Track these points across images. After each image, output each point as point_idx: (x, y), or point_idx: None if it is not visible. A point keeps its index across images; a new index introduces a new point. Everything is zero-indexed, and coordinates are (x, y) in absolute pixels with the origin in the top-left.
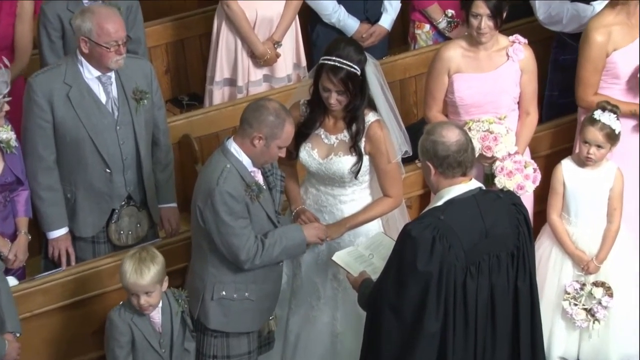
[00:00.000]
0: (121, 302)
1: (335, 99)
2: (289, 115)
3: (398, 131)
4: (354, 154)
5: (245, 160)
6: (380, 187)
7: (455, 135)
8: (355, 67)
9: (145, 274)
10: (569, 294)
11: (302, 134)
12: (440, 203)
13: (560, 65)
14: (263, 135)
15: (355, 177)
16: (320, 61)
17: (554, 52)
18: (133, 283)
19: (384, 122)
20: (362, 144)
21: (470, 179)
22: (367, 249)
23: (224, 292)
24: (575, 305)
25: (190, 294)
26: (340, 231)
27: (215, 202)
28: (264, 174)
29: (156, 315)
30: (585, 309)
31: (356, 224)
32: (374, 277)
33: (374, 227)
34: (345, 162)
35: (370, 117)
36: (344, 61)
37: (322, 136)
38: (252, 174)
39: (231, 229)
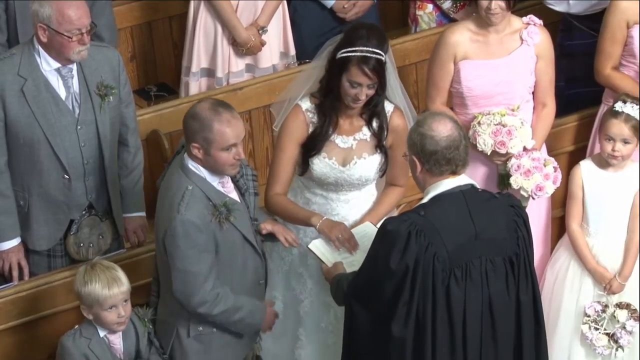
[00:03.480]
0: (75, 327)
1: (365, 94)
2: (220, 112)
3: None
4: (379, 151)
5: (207, 175)
6: (389, 178)
7: (446, 130)
8: (382, 53)
9: (121, 277)
10: (589, 316)
11: (315, 146)
12: (425, 200)
13: (566, 51)
14: (198, 144)
15: (381, 176)
16: (342, 54)
17: (560, 36)
18: (114, 294)
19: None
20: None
21: (460, 175)
22: None
23: (201, 328)
24: (596, 329)
25: (160, 326)
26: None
27: (176, 234)
28: (233, 180)
29: (117, 340)
30: (607, 334)
31: (379, 219)
32: (350, 269)
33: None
34: (372, 162)
35: (388, 106)
36: (372, 49)
37: (337, 141)
38: (220, 184)
39: (190, 264)
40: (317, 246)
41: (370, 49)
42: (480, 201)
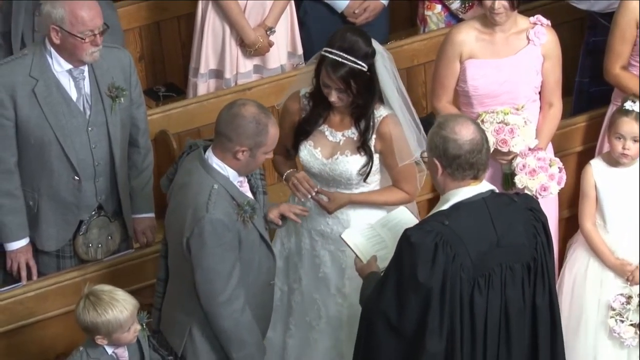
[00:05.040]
0: (80, 348)
1: (336, 97)
2: (270, 116)
3: (415, 130)
4: (362, 153)
5: (232, 175)
6: (392, 181)
7: (469, 133)
8: (361, 63)
9: (126, 296)
10: (614, 310)
11: (304, 130)
12: (445, 207)
13: (590, 48)
14: (247, 147)
15: (365, 180)
16: (322, 52)
17: (587, 33)
18: (132, 312)
19: (398, 118)
20: (373, 141)
21: (481, 181)
22: (383, 227)
23: None
24: (622, 321)
25: (169, 327)
26: (340, 202)
27: (204, 232)
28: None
29: (124, 353)
30: (633, 325)
31: (359, 202)
32: (383, 264)
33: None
34: (353, 162)
35: (381, 111)
36: (347, 56)
37: (327, 133)
38: (239, 184)
39: (215, 262)
40: (351, 236)
41: (343, 55)
42: (501, 207)
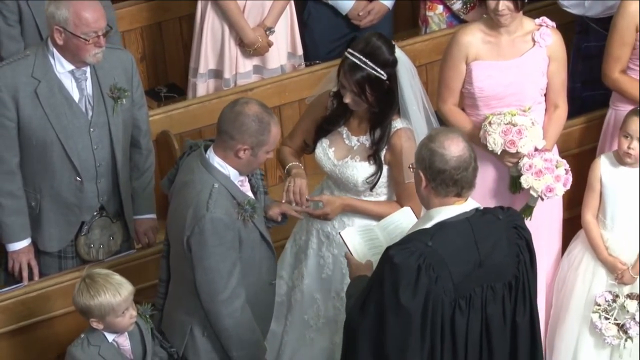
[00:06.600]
0: (82, 335)
1: (350, 99)
2: (272, 115)
3: None
4: (372, 162)
5: (232, 174)
6: (395, 195)
7: (458, 150)
8: (379, 70)
9: (122, 280)
10: (599, 305)
11: (323, 129)
12: (429, 225)
13: (583, 53)
14: (249, 145)
15: (371, 190)
16: (345, 53)
17: (577, 38)
18: (126, 298)
19: (413, 133)
20: (383, 152)
21: (466, 200)
22: (383, 230)
23: None
24: (606, 319)
25: (170, 327)
26: (334, 205)
27: (205, 231)
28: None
29: (125, 342)
30: (617, 324)
31: (354, 208)
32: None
33: None
34: (360, 169)
35: (397, 123)
36: (366, 60)
37: (344, 135)
38: (239, 183)
39: (216, 262)
40: (350, 235)
41: (362, 59)
42: (485, 226)
